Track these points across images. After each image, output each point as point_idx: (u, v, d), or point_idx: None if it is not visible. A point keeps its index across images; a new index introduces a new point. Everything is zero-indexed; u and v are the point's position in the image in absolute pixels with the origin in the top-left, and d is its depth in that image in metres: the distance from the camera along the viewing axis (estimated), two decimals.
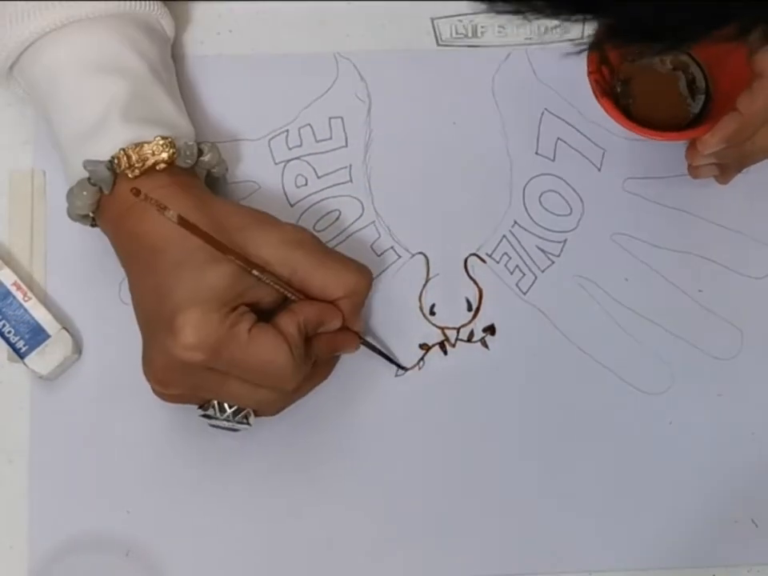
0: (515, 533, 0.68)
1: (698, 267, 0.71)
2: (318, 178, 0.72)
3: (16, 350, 0.67)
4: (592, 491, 0.68)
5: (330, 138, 0.72)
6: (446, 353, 0.70)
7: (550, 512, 0.68)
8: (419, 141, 0.72)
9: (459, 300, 0.70)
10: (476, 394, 0.69)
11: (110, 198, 0.63)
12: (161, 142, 0.63)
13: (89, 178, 0.63)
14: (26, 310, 0.68)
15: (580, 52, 0.42)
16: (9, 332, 0.67)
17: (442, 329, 0.70)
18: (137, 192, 0.59)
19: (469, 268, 0.71)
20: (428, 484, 0.68)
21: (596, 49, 0.64)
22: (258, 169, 0.72)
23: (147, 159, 0.62)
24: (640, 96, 0.69)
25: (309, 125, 0.71)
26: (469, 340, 0.70)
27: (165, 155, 0.63)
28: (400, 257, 0.71)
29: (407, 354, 0.69)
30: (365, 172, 0.72)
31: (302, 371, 0.62)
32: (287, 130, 0.72)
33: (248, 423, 0.64)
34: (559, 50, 0.69)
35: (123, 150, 0.62)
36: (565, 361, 0.69)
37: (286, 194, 0.71)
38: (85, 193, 0.63)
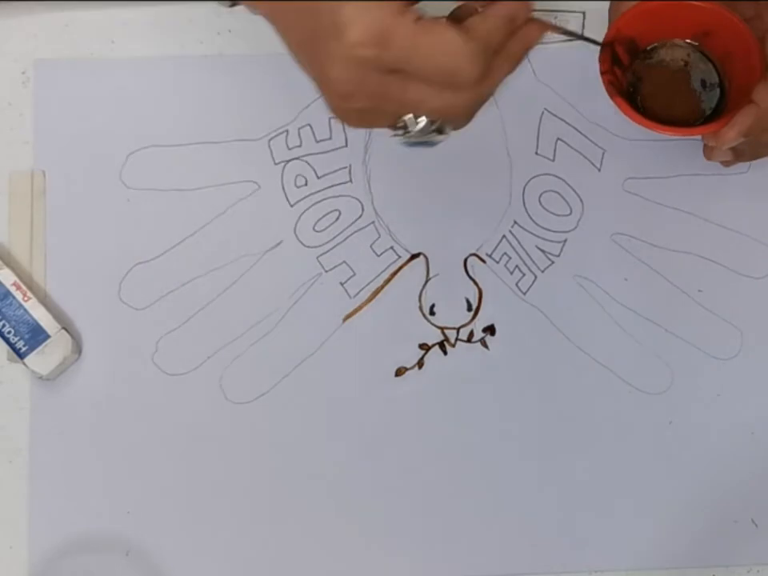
0: (515, 533, 0.68)
1: (698, 267, 0.71)
2: (318, 178, 0.72)
3: (16, 350, 0.67)
4: (592, 491, 0.68)
5: (330, 138, 0.72)
6: (445, 353, 0.70)
7: (550, 512, 0.68)
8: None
9: (459, 300, 0.70)
10: (476, 394, 0.69)
11: None
12: None
13: None
14: (25, 310, 0.68)
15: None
16: (9, 332, 0.68)
17: (442, 329, 0.70)
18: None
19: (469, 268, 0.71)
20: (428, 484, 0.68)
21: (608, 48, 0.64)
22: (258, 169, 0.72)
23: None
24: (651, 94, 0.68)
25: (309, 125, 0.71)
26: (469, 340, 0.70)
27: None
28: (400, 257, 0.71)
29: (407, 354, 0.69)
30: (365, 172, 0.72)
31: (480, 61, 0.57)
32: (287, 130, 0.72)
33: (445, 132, 0.60)
34: (559, 49, 0.69)
35: None
36: (565, 361, 0.69)
37: (285, 194, 0.71)
38: None
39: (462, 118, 0.60)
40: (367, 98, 0.58)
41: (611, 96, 0.64)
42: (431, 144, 0.61)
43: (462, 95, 0.58)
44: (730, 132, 0.63)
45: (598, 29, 0.67)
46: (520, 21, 0.59)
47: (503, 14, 0.58)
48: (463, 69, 0.57)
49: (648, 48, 0.68)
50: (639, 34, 0.67)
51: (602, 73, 0.64)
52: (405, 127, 0.60)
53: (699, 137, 0.67)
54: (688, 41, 0.68)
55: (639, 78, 0.68)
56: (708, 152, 0.68)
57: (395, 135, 0.60)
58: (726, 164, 0.69)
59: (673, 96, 0.68)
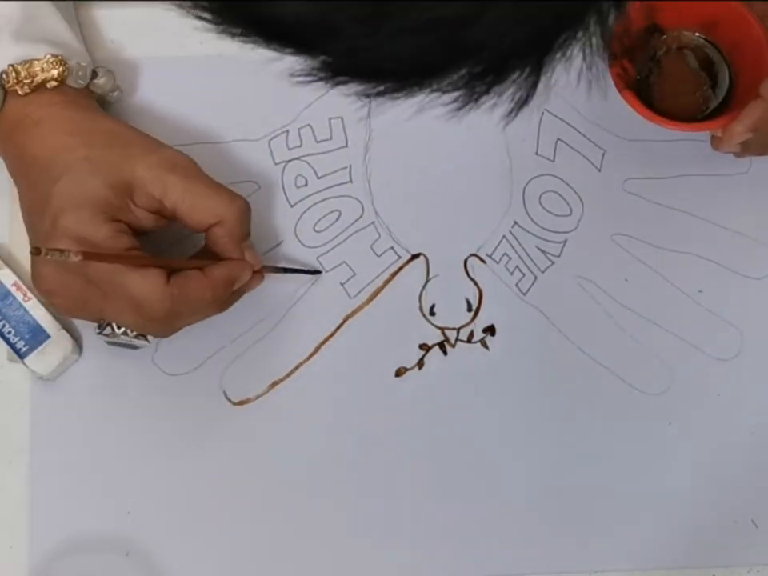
0: (515, 533, 0.68)
1: (698, 267, 0.71)
2: (318, 178, 0.72)
3: (16, 350, 0.67)
4: (592, 491, 0.68)
5: (330, 138, 0.72)
6: (445, 353, 0.70)
7: (550, 512, 0.68)
8: (419, 141, 0.72)
9: (459, 300, 0.70)
10: (476, 394, 0.69)
11: (1, 116, 0.64)
12: (51, 59, 0.64)
13: None
14: (26, 310, 0.68)
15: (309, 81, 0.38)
16: (9, 332, 0.67)
17: (442, 329, 0.70)
18: (37, 251, 0.57)
19: (469, 268, 0.71)
20: (428, 484, 0.68)
21: (615, 40, 0.64)
22: (258, 169, 0.72)
23: (36, 75, 0.64)
24: (660, 86, 0.68)
25: (309, 125, 0.72)
26: (469, 340, 0.70)
27: (55, 72, 0.64)
28: (400, 257, 0.71)
29: (407, 355, 0.69)
30: (365, 172, 0.72)
31: (169, 303, 0.61)
32: (287, 130, 0.72)
33: (146, 339, 0.65)
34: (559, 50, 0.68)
35: (12, 65, 0.63)
36: (565, 361, 0.69)
37: (285, 194, 0.71)
38: None
39: (158, 335, 0.65)
40: (67, 299, 0.63)
41: (619, 90, 0.64)
42: (134, 347, 0.66)
43: (152, 323, 0.62)
44: (738, 127, 0.64)
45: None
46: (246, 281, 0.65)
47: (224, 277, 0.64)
48: (151, 307, 0.61)
49: (656, 39, 0.68)
50: (647, 25, 0.67)
51: (610, 66, 0.64)
52: (110, 327, 0.64)
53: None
54: (696, 33, 0.68)
55: (647, 69, 0.68)
56: (716, 143, 0.67)
57: (99, 333, 0.65)
58: (736, 155, 0.69)
59: (680, 87, 0.68)
